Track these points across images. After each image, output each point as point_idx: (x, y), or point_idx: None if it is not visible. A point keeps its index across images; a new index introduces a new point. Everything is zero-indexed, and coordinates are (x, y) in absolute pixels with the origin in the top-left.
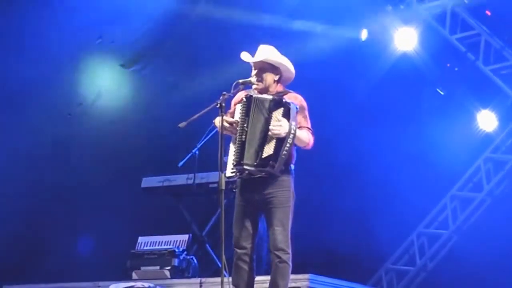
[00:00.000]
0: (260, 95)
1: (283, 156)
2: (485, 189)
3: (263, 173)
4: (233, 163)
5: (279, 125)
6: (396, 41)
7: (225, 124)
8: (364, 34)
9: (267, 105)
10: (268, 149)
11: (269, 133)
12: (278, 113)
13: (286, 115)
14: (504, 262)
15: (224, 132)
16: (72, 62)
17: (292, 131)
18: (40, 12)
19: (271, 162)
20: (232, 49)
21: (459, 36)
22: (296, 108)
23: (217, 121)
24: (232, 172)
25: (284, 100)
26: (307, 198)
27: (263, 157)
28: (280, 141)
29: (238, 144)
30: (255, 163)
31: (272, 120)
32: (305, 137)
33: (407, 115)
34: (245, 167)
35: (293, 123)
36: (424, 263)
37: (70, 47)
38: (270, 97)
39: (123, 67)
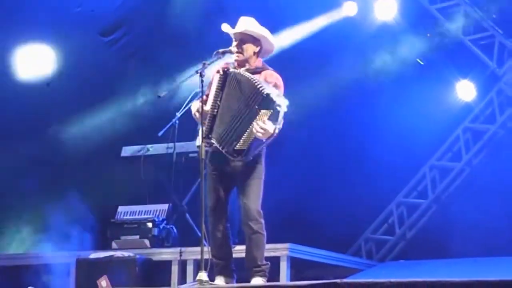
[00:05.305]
0: (239, 71)
1: (256, 152)
2: (463, 158)
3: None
4: (202, 136)
5: (264, 128)
6: (376, 11)
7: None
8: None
9: (254, 96)
10: (244, 144)
11: (252, 129)
12: (265, 114)
13: (274, 118)
14: (481, 231)
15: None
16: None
17: (275, 135)
18: None
19: (242, 156)
20: (215, 19)
21: (439, 6)
22: (286, 107)
23: (194, 107)
24: (202, 142)
25: (275, 102)
26: (287, 170)
27: (235, 148)
28: (259, 141)
29: (209, 117)
30: (226, 150)
31: (258, 118)
32: None
33: (386, 85)
34: (213, 141)
35: (278, 126)
36: (403, 232)
37: (49, 15)
38: (255, 81)
39: (101, 36)
